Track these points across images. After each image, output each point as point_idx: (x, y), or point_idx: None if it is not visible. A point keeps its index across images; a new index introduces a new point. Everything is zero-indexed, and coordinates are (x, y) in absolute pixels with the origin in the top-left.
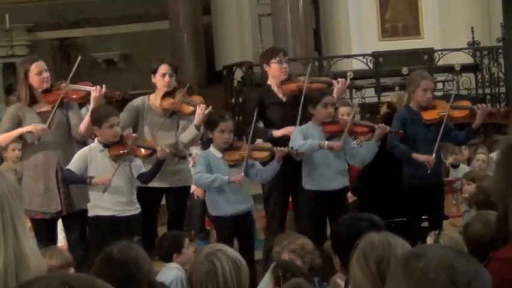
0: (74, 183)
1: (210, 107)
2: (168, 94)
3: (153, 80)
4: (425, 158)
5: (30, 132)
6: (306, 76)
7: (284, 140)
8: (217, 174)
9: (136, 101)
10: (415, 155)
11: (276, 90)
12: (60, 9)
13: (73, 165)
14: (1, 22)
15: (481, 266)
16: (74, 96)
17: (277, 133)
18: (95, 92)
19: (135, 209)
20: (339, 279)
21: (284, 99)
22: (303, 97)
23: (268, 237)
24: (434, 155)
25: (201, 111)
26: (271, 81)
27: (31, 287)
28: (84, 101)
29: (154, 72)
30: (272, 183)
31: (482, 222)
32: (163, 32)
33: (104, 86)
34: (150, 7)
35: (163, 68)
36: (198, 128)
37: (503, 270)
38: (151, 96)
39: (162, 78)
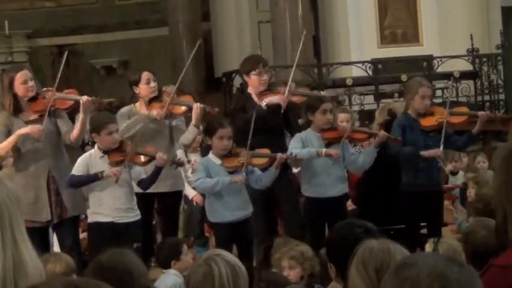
0: (84, 185)
1: (202, 105)
2: (154, 99)
3: (136, 91)
4: (434, 153)
5: (27, 134)
6: (287, 88)
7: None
8: (218, 177)
9: (124, 110)
10: (422, 152)
11: (256, 100)
12: (59, 16)
13: (76, 170)
14: (0, 29)
15: (473, 273)
16: (62, 105)
17: (268, 100)
18: (84, 101)
19: (135, 215)
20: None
21: (264, 108)
22: (282, 110)
23: (258, 247)
24: (441, 148)
25: (197, 109)
26: (251, 90)
27: None
28: (71, 110)
29: (137, 82)
30: (254, 195)
31: (485, 228)
32: (162, 38)
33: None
34: (150, 14)
35: (146, 75)
36: (197, 126)
37: (503, 277)
38: (137, 104)
39: (147, 85)
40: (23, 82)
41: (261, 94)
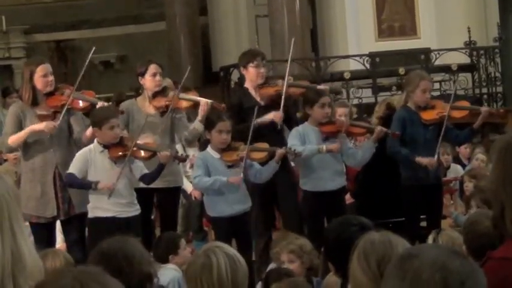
0: (78, 188)
1: (210, 101)
2: (159, 93)
3: (142, 82)
4: (428, 162)
5: (41, 131)
6: (285, 80)
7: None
8: (216, 177)
9: (124, 105)
10: (418, 159)
11: (254, 94)
12: (56, 11)
13: (74, 168)
14: None
15: (475, 266)
16: (78, 105)
17: (260, 120)
18: (100, 105)
19: (135, 210)
20: (333, 280)
21: (262, 102)
22: (282, 102)
23: (257, 240)
24: (436, 157)
25: (205, 106)
26: (248, 84)
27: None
28: (86, 111)
29: (143, 74)
30: (252, 189)
31: (489, 218)
32: (160, 33)
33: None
34: (147, 8)
35: (152, 68)
36: (202, 122)
37: (501, 270)
38: (139, 98)
39: (153, 78)
40: (43, 75)
41: (259, 87)
